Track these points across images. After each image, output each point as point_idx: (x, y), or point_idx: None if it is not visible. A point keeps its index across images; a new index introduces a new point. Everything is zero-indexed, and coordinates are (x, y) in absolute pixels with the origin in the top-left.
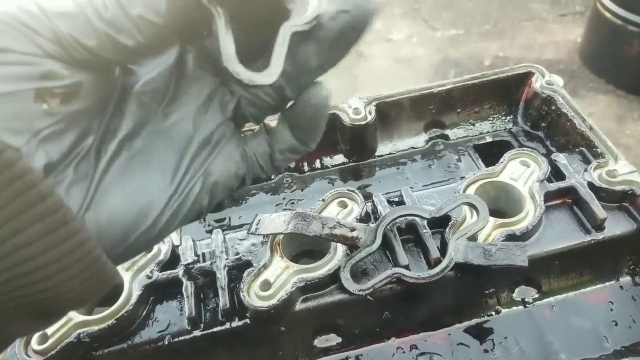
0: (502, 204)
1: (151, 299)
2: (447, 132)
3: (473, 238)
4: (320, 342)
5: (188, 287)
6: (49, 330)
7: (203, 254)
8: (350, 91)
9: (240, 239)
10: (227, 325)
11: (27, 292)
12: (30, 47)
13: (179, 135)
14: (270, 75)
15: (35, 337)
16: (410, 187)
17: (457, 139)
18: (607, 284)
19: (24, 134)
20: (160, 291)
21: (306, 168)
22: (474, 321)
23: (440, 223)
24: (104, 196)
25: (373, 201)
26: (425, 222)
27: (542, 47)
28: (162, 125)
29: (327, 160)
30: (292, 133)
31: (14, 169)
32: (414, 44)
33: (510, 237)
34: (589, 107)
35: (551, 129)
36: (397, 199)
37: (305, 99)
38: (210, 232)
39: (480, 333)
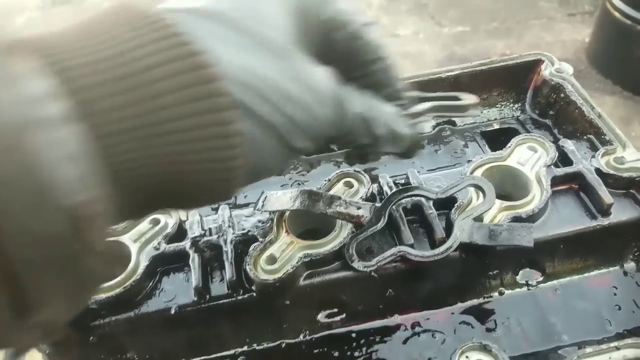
0: (508, 187)
1: (158, 270)
2: (455, 118)
3: (479, 219)
4: (323, 316)
5: (195, 259)
6: None
7: (210, 228)
8: None
9: (246, 216)
10: (233, 297)
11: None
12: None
13: None
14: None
15: None
16: (417, 171)
17: (464, 125)
18: (611, 269)
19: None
20: (167, 263)
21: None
22: (476, 301)
23: (446, 204)
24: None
25: (379, 182)
26: (430, 202)
27: (550, 46)
28: None
29: None
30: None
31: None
32: (420, 40)
33: (516, 220)
34: None
35: (559, 117)
36: (403, 181)
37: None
38: (216, 209)
39: (483, 313)
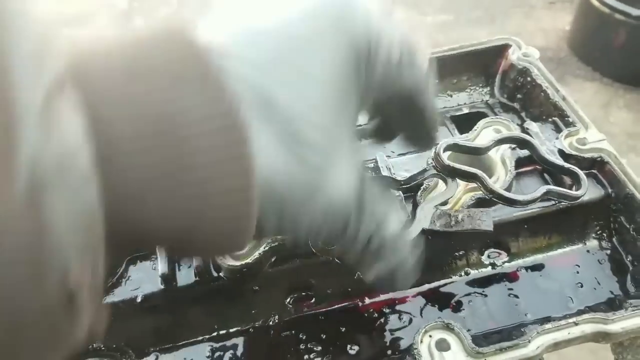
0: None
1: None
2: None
3: (443, 203)
4: (292, 300)
5: None
6: None
7: None
8: None
9: None
10: (201, 284)
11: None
12: None
13: None
14: None
15: None
16: (387, 156)
17: None
18: (574, 247)
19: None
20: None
21: None
22: (443, 282)
23: (412, 188)
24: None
25: None
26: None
27: (531, 34)
28: None
29: None
30: None
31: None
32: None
33: (481, 201)
34: (576, 94)
35: (526, 101)
36: (372, 165)
37: None
38: None
39: (450, 293)
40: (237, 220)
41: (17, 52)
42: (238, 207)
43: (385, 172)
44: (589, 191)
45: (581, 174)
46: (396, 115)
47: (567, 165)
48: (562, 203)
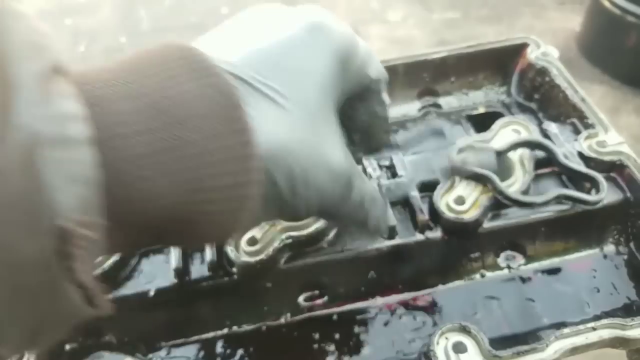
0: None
1: (138, 251)
2: (441, 101)
3: (460, 201)
4: (304, 298)
5: None
6: None
7: None
8: None
9: None
10: (213, 279)
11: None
12: None
13: None
14: None
15: None
16: (402, 153)
17: (450, 108)
18: (591, 252)
19: None
20: None
21: None
22: (458, 283)
23: (429, 187)
24: None
25: (363, 164)
26: (413, 184)
27: (540, 34)
28: None
29: None
30: None
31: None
32: (410, 26)
33: (497, 202)
34: None
35: (544, 101)
36: (387, 163)
37: None
38: None
39: (464, 295)
40: (238, 189)
41: (15, 36)
42: (237, 176)
43: (401, 171)
44: (607, 195)
45: (600, 178)
46: (352, 118)
47: (585, 170)
48: (579, 207)
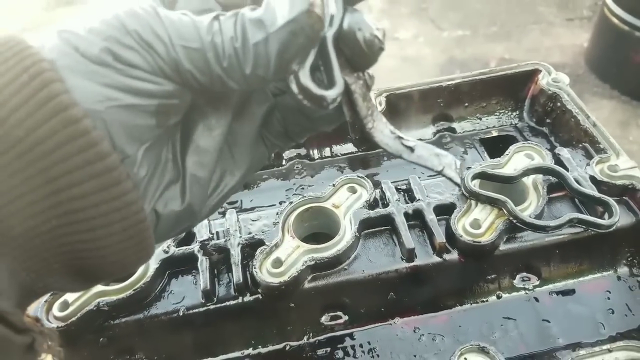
0: (506, 193)
1: (167, 272)
2: (454, 125)
3: (476, 225)
4: (327, 319)
5: (203, 262)
6: (70, 298)
7: (217, 232)
8: None
9: (252, 220)
10: (239, 300)
11: (70, 241)
12: (155, 68)
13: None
14: (337, 87)
15: (57, 304)
16: (417, 177)
17: (463, 132)
18: (605, 273)
19: (136, 143)
20: (176, 266)
21: (316, 156)
22: (475, 305)
23: (445, 210)
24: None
25: (382, 188)
26: (431, 208)
27: (548, 50)
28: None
29: (337, 149)
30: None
31: (77, 126)
32: (420, 44)
33: (512, 226)
34: (593, 112)
35: (556, 125)
36: (404, 187)
37: None
38: (223, 213)
39: (481, 316)
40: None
41: None
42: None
43: (418, 195)
44: (620, 218)
45: (613, 203)
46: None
47: (598, 194)
48: (593, 230)
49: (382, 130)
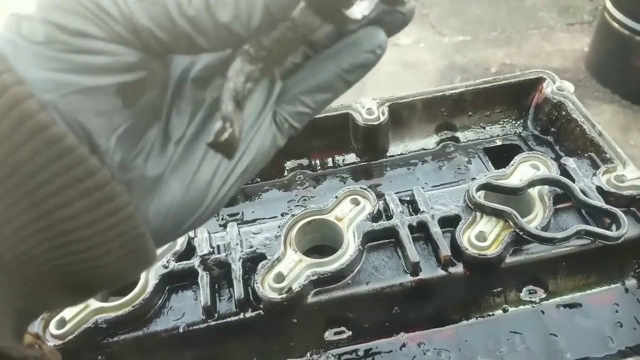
0: (512, 205)
1: (167, 288)
2: (458, 134)
3: (482, 237)
4: (330, 334)
5: (203, 277)
6: (67, 315)
7: (218, 246)
8: (356, 94)
9: (254, 233)
10: (241, 316)
11: (66, 262)
12: (110, 34)
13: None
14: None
15: (54, 322)
16: (421, 187)
17: (467, 141)
18: (612, 286)
19: (106, 132)
20: (176, 281)
21: (318, 166)
22: (481, 319)
23: (450, 223)
24: (164, 186)
25: (385, 199)
26: (435, 220)
27: (549, 55)
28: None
29: (339, 159)
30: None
31: (61, 144)
32: (421, 49)
33: (519, 238)
34: (594, 116)
35: (561, 134)
36: (408, 198)
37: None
38: (224, 226)
39: (487, 330)
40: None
41: None
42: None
43: (422, 207)
44: (628, 229)
45: (621, 214)
46: None
47: (605, 206)
48: (600, 242)
49: None
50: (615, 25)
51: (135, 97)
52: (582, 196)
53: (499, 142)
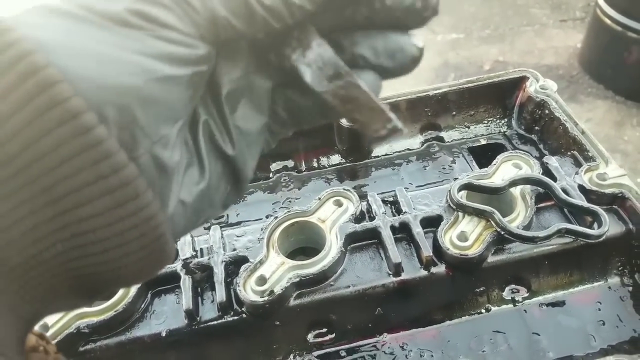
0: (494, 205)
1: (150, 292)
2: (443, 134)
3: (463, 237)
4: (313, 336)
5: (186, 281)
6: (50, 321)
7: (201, 249)
8: None
9: (237, 236)
10: (223, 319)
11: (80, 265)
12: (189, 26)
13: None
14: None
15: (37, 327)
16: (405, 188)
17: (452, 141)
18: (595, 284)
19: (171, 122)
20: (158, 285)
21: (303, 168)
22: (464, 319)
23: (432, 223)
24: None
25: (368, 200)
26: (418, 221)
27: (542, 52)
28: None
29: (324, 160)
30: None
31: (88, 136)
32: None
33: (500, 237)
34: (588, 112)
35: (544, 133)
36: (391, 199)
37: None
38: (208, 228)
39: (470, 330)
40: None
41: None
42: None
43: (405, 207)
44: (610, 227)
45: (602, 212)
46: None
47: (586, 205)
48: (582, 240)
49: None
50: (608, 21)
51: (198, 91)
52: (563, 195)
53: (483, 142)
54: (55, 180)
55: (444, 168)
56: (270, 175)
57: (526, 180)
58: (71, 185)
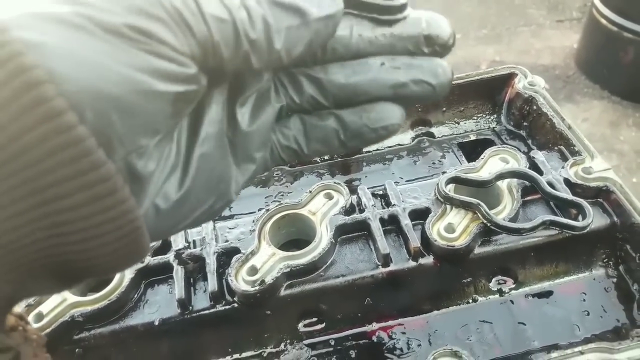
0: (481, 197)
1: (143, 282)
2: (433, 130)
3: (451, 229)
4: (303, 325)
5: (178, 271)
6: (44, 309)
7: (194, 240)
8: None
9: (230, 228)
10: (215, 308)
11: (58, 252)
12: (183, 45)
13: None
14: None
15: (32, 316)
16: (396, 182)
17: (442, 136)
18: (581, 275)
19: (150, 135)
20: (151, 275)
21: (296, 162)
22: (451, 309)
23: (421, 215)
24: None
25: (358, 194)
26: (406, 213)
27: (539, 52)
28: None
29: None
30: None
31: (70, 134)
32: None
33: (487, 229)
34: (584, 112)
35: (532, 128)
36: (381, 192)
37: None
38: None
39: (458, 320)
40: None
41: None
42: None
43: (394, 200)
44: (594, 220)
45: (586, 205)
46: None
47: (571, 197)
48: (567, 232)
49: None
50: (604, 21)
51: (182, 109)
52: (548, 188)
53: (472, 137)
54: (37, 172)
55: (433, 163)
56: None
57: (513, 174)
58: (53, 179)
